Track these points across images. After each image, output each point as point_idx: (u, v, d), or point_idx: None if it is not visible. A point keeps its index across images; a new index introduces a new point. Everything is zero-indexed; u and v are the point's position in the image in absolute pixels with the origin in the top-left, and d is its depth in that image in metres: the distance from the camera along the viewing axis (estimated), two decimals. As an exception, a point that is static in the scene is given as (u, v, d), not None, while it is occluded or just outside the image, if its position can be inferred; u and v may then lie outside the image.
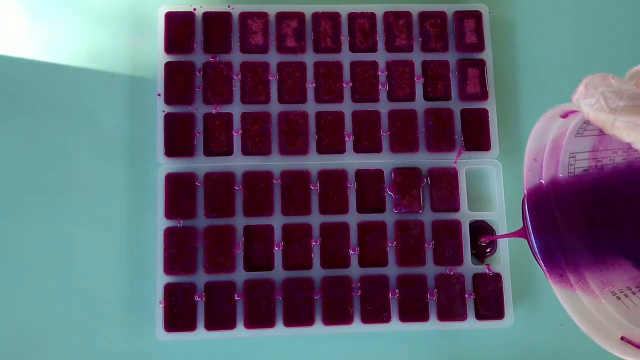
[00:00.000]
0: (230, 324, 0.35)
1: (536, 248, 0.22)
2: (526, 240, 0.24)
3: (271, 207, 0.37)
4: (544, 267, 0.22)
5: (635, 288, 0.20)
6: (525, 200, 0.22)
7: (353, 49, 0.39)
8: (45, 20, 0.39)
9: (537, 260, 0.22)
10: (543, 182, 0.22)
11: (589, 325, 0.20)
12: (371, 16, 0.39)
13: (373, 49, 0.39)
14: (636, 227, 0.21)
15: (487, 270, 0.37)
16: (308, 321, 0.35)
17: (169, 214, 0.36)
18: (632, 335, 0.19)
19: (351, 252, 0.36)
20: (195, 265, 0.36)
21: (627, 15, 0.41)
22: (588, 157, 0.22)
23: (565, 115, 0.20)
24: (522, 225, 0.26)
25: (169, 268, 0.35)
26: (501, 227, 0.37)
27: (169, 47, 0.38)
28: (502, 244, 0.37)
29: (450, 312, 0.36)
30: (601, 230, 0.22)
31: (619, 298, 0.21)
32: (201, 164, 0.37)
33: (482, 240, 0.36)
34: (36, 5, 0.39)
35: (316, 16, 0.38)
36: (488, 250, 0.37)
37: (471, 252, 0.37)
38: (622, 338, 0.19)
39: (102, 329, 0.36)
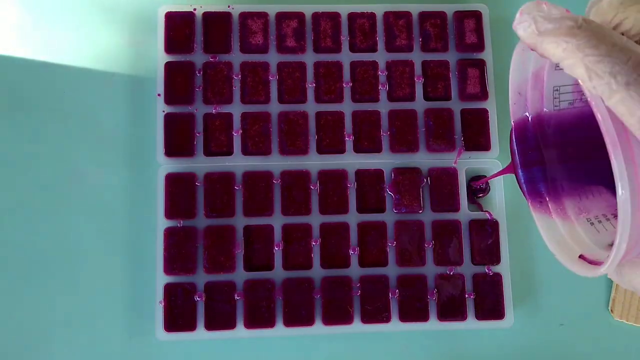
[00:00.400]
0: (230, 324, 0.35)
1: (522, 179, 0.24)
2: (514, 174, 0.26)
3: (271, 207, 0.37)
4: (527, 196, 0.24)
5: (610, 215, 0.22)
6: (512, 132, 0.23)
7: (353, 49, 0.39)
8: (45, 21, 0.39)
9: (521, 188, 0.24)
10: (529, 115, 0.23)
11: (555, 244, 0.22)
12: (371, 16, 0.39)
13: (373, 49, 0.39)
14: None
15: (487, 270, 0.37)
16: (308, 321, 0.35)
17: (169, 214, 0.36)
18: (591, 255, 0.21)
19: (351, 252, 0.36)
20: (195, 265, 0.36)
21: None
22: (572, 91, 0.23)
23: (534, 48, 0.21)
24: (510, 161, 0.27)
25: (169, 268, 0.35)
26: (501, 227, 0.37)
27: (169, 47, 0.38)
28: (503, 246, 0.37)
29: (450, 312, 0.36)
30: (582, 161, 0.24)
31: (592, 223, 0.23)
32: (201, 164, 0.37)
33: (475, 183, 0.37)
34: (36, 6, 0.39)
35: (316, 16, 0.38)
36: (480, 194, 0.37)
37: (467, 197, 0.37)
38: (580, 256, 0.21)
39: (102, 328, 0.36)
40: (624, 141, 0.16)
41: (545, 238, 0.23)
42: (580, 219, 0.23)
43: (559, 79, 0.23)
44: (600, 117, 0.17)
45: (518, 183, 0.25)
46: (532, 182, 0.24)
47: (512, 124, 0.24)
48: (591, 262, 0.21)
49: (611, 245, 0.20)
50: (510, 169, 0.28)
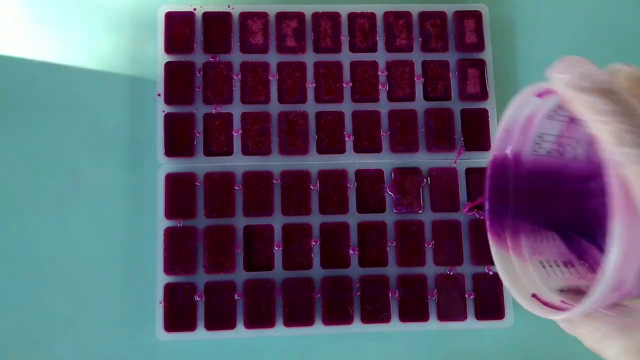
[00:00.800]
0: (230, 324, 0.35)
1: (487, 210, 0.25)
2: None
3: (271, 207, 0.37)
4: (488, 227, 0.25)
5: (561, 263, 0.24)
6: (490, 164, 0.25)
7: (353, 49, 0.39)
8: (45, 21, 0.39)
9: (485, 218, 0.25)
10: (509, 153, 0.25)
11: (510, 279, 0.23)
12: (371, 16, 0.39)
13: (373, 49, 0.39)
14: (572, 215, 0.24)
15: (487, 270, 0.37)
16: (308, 321, 0.35)
17: (169, 214, 0.36)
18: (543, 296, 0.22)
19: (351, 252, 0.36)
20: (195, 265, 0.36)
21: (627, 15, 0.41)
22: (554, 141, 0.24)
23: (541, 95, 0.22)
24: None
25: (169, 268, 0.35)
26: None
27: (169, 47, 0.38)
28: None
29: (450, 312, 0.36)
30: (545, 208, 0.25)
31: (544, 266, 0.24)
32: (201, 164, 0.37)
33: (466, 211, 0.37)
34: (36, 6, 0.39)
35: (316, 16, 0.38)
36: (475, 210, 0.38)
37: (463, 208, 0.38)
38: (532, 295, 0.23)
39: (102, 329, 0.36)
40: (626, 206, 0.17)
41: (500, 272, 0.24)
42: (533, 260, 0.24)
43: (547, 128, 0.24)
44: (614, 181, 0.17)
45: (484, 213, 0.26)
46: (497, 215, 0.25)
47: (492, 155, 0.25)
48: (544, 303, 0.22)
49: (561, 290, 0.22)
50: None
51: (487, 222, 0.25)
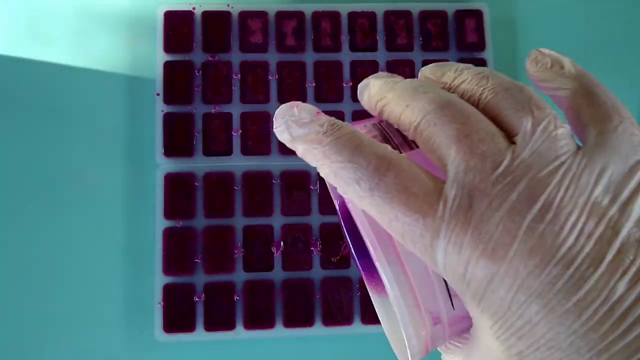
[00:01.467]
0: (229, 325, 0.35)
1: (352, 252, 0.22)
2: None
3: (271, 207, 0.36)
4: (360, 270, 0.22)
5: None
6: (338, 210, 0.21)
7: (353, 48, 0.38)
8: (45, 20, 0.39)
9: (356, 265, 0.23)
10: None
11: (387, 324, 0.21)
12: (371, 15, 0.38)
13: (373, 48, 0.38)
14: None
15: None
16: (308, 322, 0.35)
17: (168, 214, 0.36)
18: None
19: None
20: (195, 265, 0.35)
21: (627, 14, 0.41)
22: None
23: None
24: None
25: (168, 268, 0.35)
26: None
27: (168, 47, 0.37)
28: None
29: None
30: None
31: None
32: (200, 164, 0.37)
33: (334, 260, 0.36)
34: (36, 6, 0.39)
35: (316, 15, 0.38)
36: None
37: None
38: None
39: (102, 329, 0.36)
40: (386, 241, 0.16)
41: (380, 316, 0.22)
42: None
43: None
44: (358, 221, 0.16)
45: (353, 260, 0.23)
46: (362, 256, 0.22)
47: (337, 203, 0.21)
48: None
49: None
50: None
51: (358, 266, 0.22)
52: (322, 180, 0.37)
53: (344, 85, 0.38)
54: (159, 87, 0.37)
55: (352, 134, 0.17)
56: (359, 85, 0.20)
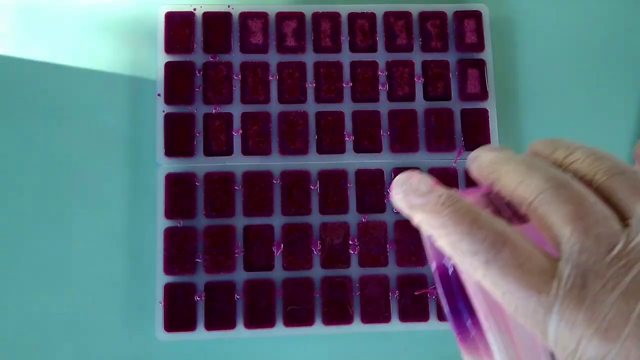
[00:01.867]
0: (230, 324, 0.35)
1: (447, 313, 0.22)
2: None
3: (271, 207, 0.36)
4: (455, 333, 0.21)
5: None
6: (435, 273, 0.21)
7: (353, 49, 0.39)
8: (45, 21, 0.39)
9: (451, 327, 0.22)
10: (446, 264, 0.21)
11: None
12: (371, 16, 0.39)
13: (373, 49, 0.39)
14: None
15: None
16: (308, 321, 0.35)
17: (169, 214, 0.36)
18: None
19: (351, 252, 0.36)
20: (195, 265, 0.36)
21: (626, 14, 0.41)
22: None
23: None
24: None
25: (169, 268, 0.35)
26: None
27: (169, 47, 0.38)
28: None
29: (450, 312, 0.36)
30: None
31: None
32: (201, 164, 0.37)
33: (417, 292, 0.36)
34: (36, 6, 0.39)
35: (316, 16, 0.38)
36: None
37: None
38: None
39: (102, 328, 0.36)
40: (496, 311, 0.17)
41: None
42: None
43: None
44: (470, 289, 0.17)
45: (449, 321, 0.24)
46: (458, 319, 0.22)
47: (434, 266, 0.21)
48: None
49: None
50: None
51: (453, 327, 0.21)
52: (322, 180, 0.37)
53: (344, 85, 0.38)
54: (160, 87, 0.37)
55: (470, 207, 0.17)
56: (469, 157, 0.20)
